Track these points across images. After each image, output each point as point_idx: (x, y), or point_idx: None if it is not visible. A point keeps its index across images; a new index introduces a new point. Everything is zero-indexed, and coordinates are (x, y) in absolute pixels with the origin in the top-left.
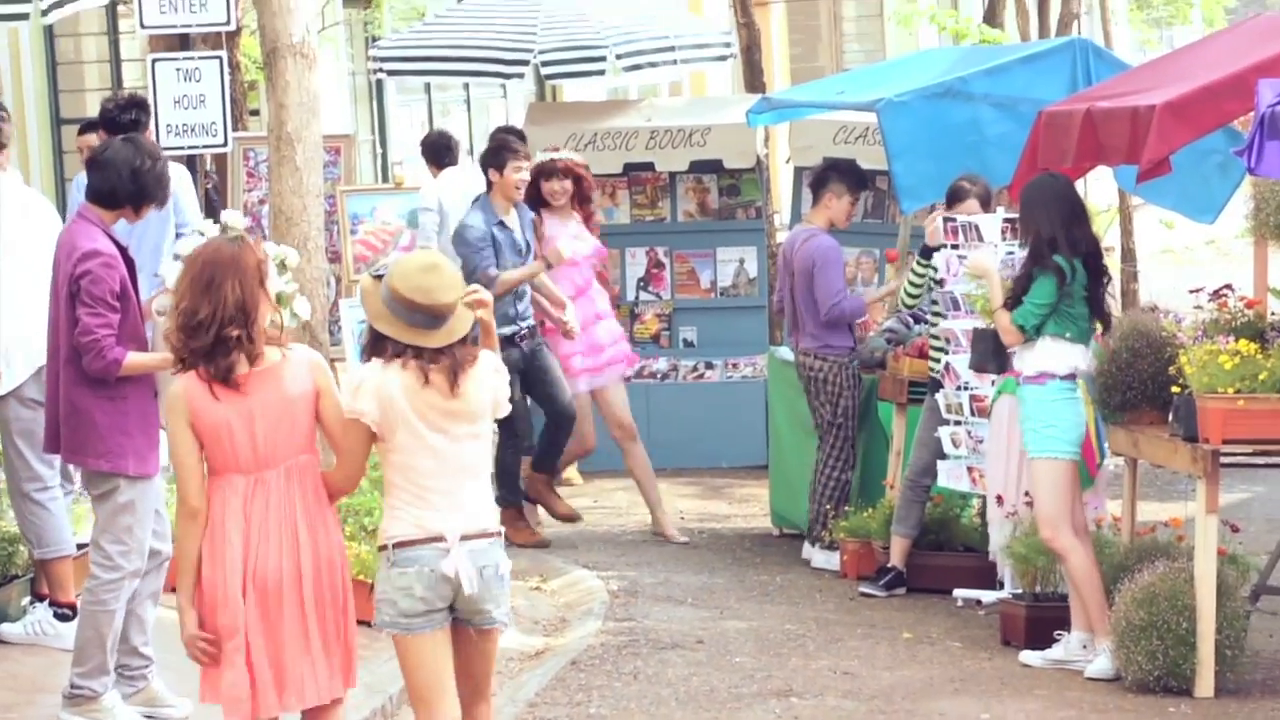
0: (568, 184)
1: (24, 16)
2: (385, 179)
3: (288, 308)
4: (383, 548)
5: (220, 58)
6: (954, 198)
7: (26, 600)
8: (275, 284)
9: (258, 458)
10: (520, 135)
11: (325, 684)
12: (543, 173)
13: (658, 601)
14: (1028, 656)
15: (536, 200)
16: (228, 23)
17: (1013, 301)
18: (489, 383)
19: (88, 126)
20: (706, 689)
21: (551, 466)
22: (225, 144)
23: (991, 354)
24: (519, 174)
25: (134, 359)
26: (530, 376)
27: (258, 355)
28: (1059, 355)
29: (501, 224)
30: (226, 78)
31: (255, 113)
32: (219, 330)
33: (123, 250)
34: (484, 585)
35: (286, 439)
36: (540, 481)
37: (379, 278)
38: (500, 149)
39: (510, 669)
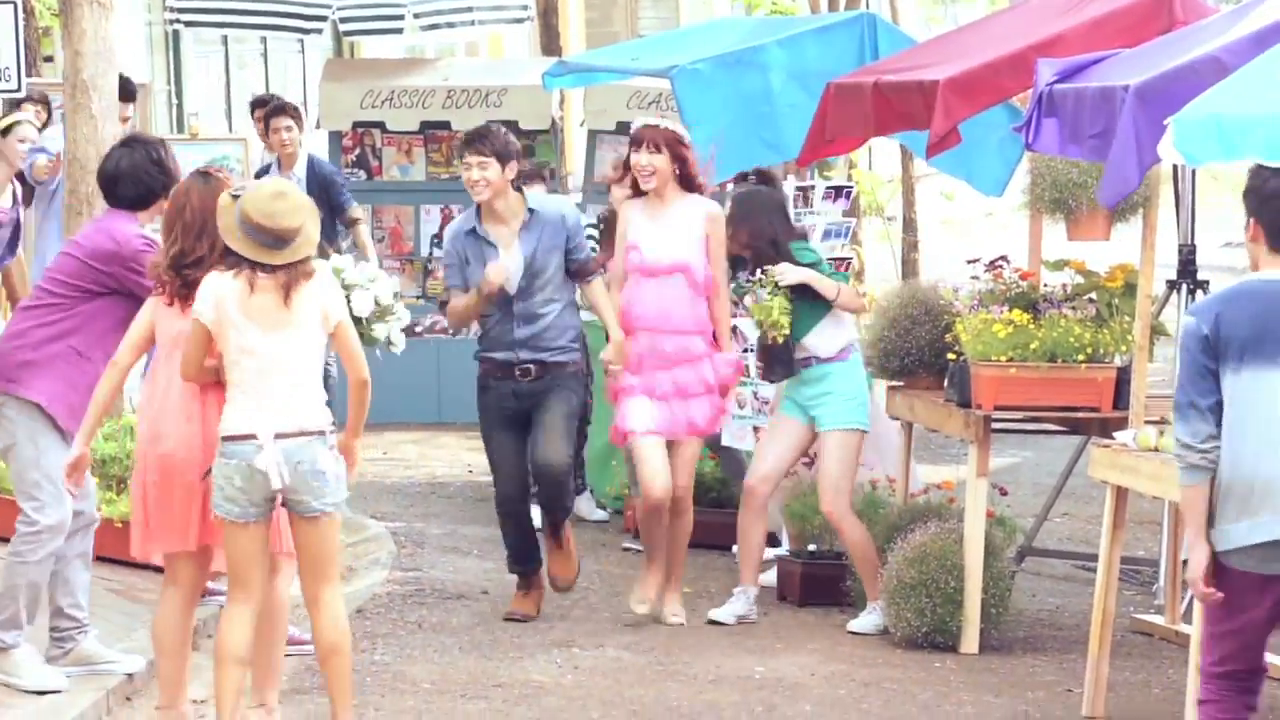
0: (659, 160)
1: None
2: (180, 129)
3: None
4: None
5: (15, 3)
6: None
7: None
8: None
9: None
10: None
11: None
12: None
13: (444, 552)
14: (716, 613)
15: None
16: None
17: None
18: (319, 297)
19: None
20: (490, 638)
21: (550, 532)
22: (19, 89)
23: (783, 361)
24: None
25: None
26: (529, 419)
27: None
28: (847, 327)
29: (472, 233)
30: (21, 23)
31: (50, 59)
32: (210, 266)
33: None
34: (299, 478)
35: None
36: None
37: (236, 198)
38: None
39: (295, 616)
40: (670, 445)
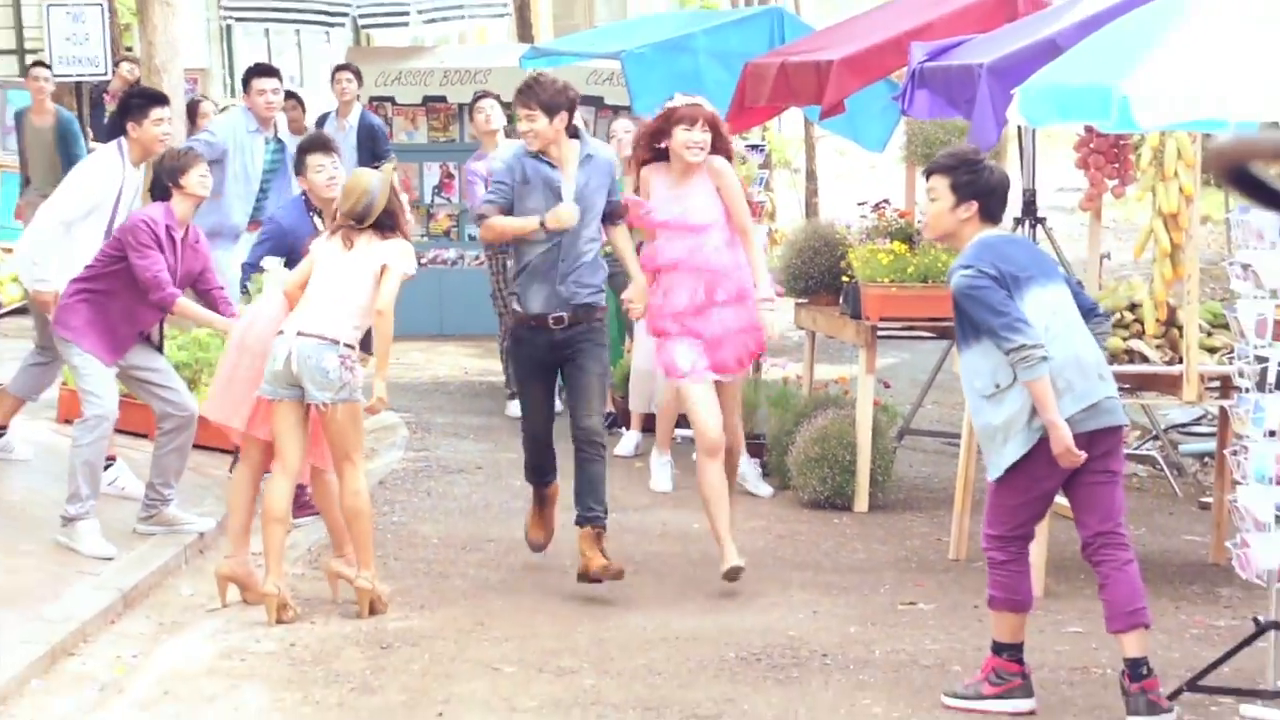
0: (700, 135)
1: None
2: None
3: None
4: None
5: (101, 4)
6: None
7: None
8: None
9: None
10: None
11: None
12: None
13: (447, 437)
14: (619, 449)
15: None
16: None
17: None
18: (380, 255)
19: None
20: (484, 503)
21: (590, 515)
22: (105, 73)
23: None
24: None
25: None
26: (563, 374)
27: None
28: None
29: (539, 155)
30: (106, 21)
31: (130, 48)
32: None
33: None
34: (304, 370)
35: None
36: (584, 537)
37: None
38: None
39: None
40: (716, 385)
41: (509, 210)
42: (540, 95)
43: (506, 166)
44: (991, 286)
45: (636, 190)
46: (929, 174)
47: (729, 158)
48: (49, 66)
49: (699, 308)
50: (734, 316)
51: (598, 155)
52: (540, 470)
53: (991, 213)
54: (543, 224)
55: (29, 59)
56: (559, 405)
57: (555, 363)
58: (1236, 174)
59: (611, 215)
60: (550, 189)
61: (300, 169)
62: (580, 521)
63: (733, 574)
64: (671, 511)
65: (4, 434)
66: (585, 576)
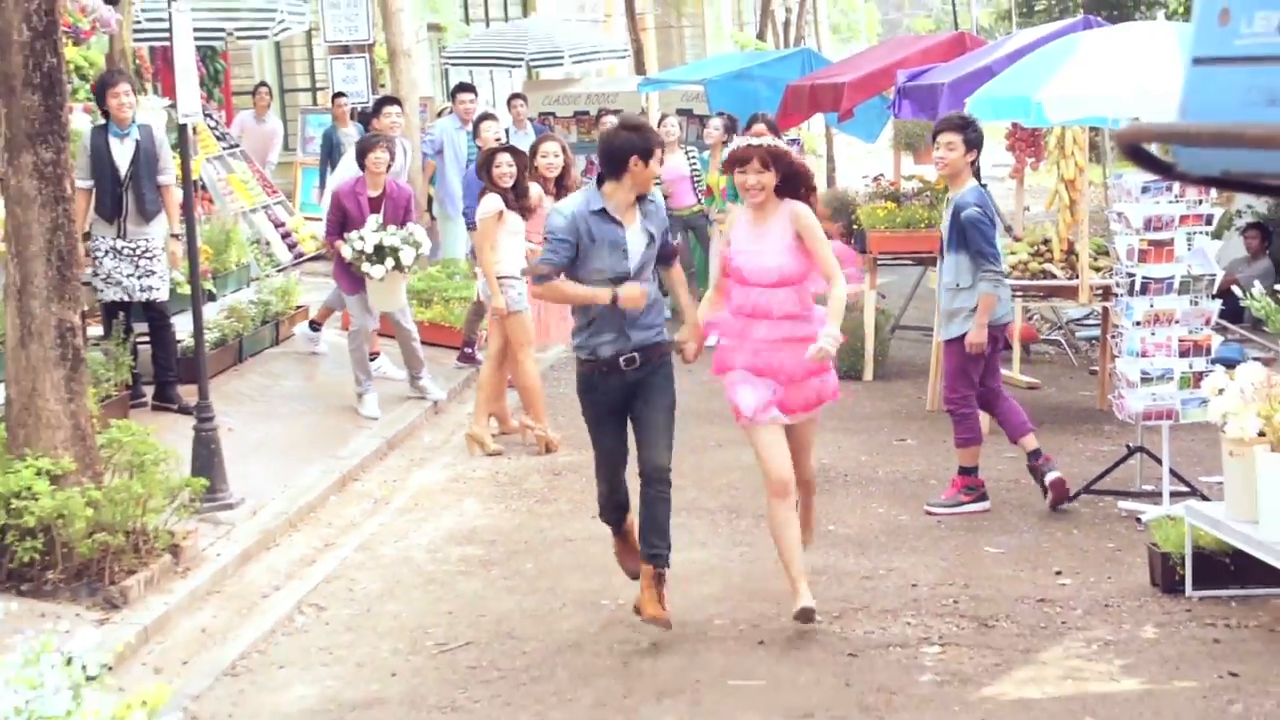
0: (765, 177)
1: (263, 36)
2: None
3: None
4: None
5: (365, 57)
6: (749, 125)
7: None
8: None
9: None
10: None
11: None
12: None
13: None
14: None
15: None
16: (368, 38)
17: None
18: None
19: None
20: None
21: (653, 554)
22: (368, 101)
23: None
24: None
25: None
26: (632, 412)
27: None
28: None
29: (603, 213)
30: (369, 67)
31: (383, 86)
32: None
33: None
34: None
35: None
36: (646, 574)
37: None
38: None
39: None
40: (788, 427)
41: (569, 268)
42: (656, 138)
43: (569, 224)
44: (989, 224)
45: (712, 193)
46: (946, 130)
47: (810, 191)
48: (344, 95)
49: (768, 348)
50: (802, 360)
51: (656, 201)
52: (617, 508)
53: (979, 162)
54: (614, 299)
55: (318, 94)
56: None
57: (626, 403)
58: (1133, 150)
59: (665, 258)
60: (617, 248)
61: (534, 154)
62: (644, 559)
63: (803, 616)
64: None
65: (318, 330)
66: (639, 612)
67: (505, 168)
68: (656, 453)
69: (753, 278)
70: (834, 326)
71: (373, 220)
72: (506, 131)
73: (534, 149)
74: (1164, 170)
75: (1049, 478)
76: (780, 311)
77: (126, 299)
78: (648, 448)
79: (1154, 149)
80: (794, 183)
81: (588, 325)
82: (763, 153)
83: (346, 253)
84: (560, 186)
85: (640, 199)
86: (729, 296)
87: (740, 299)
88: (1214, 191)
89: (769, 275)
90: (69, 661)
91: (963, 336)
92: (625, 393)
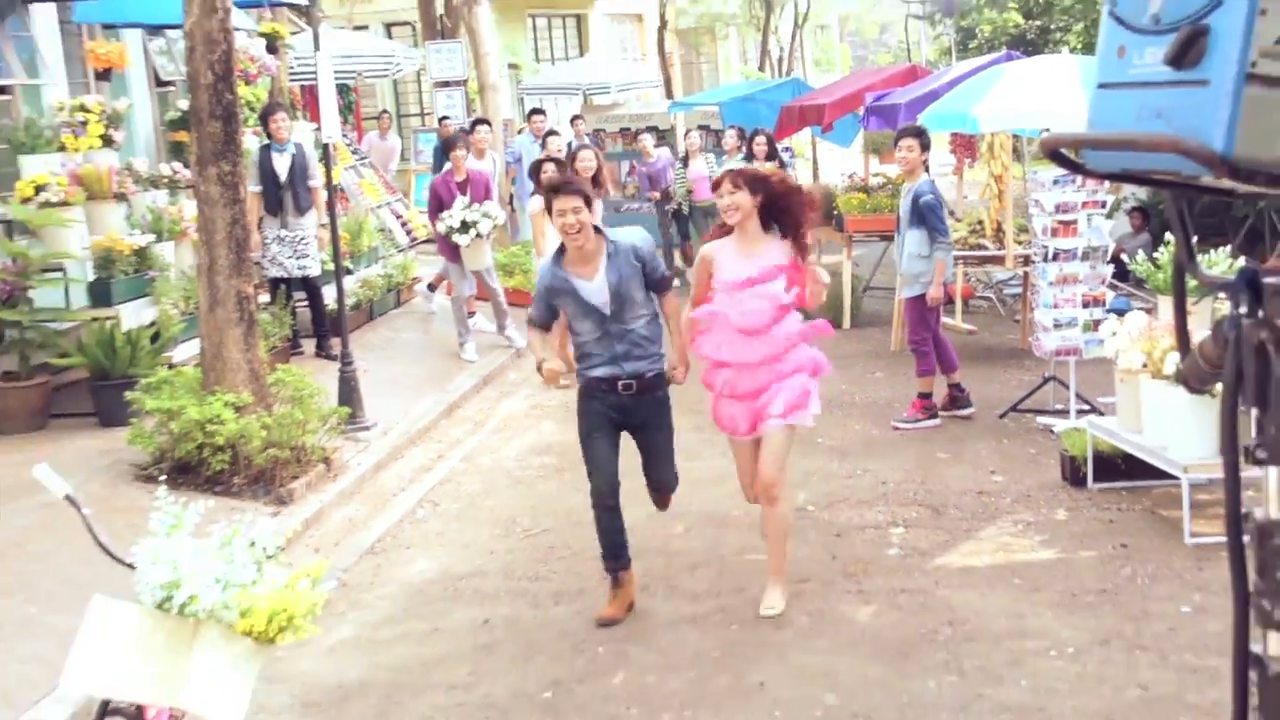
0: (738, 196)
1: (385, 75)
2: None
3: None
4: None
5: (461, 89)
6: (752, 137)
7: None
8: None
9: None
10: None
11: None
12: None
13: None
14: None
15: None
16: (464, 75)
17: None
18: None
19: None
20: None
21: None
22: (465, 122)
23: None
24: (561, 218)
25: None
26: (634, 438)
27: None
28: None
29: (562, 270)
30: (464, 98)
31: (475, 110)
32: None
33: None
34: None
35: None
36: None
37: None
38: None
39: None
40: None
41: (551, 322)
42: (579, 187)
43: (540, 284)
44: (940, 206)
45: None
46: (906, 136)
47: (808, 208)
48: (448, 118)
49: (741, 366)
50: (772, 373)
51: (620, 244)
52: (612, 548)
53: (929, 160)
54: (539, 367)
55: (426, 117)
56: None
57: (621, 424)
58: (1053, 153)
59: (657, 286)
60: (579, 299)
61: (573, 160)
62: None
63: (767, 613)
64: None
65: (434, 290)
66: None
67: (550, 173)
68: (662, 471)
69: (731, 281)
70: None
71: (460, 201)
72: (569, 144)
73: (572, 157)
74: (1076, 168)
75: (964, 410)
76: (756, 318)
77: (287, 275)
78: (654, 469)
79: (1068, 153)
80: (784, 207)
81: (581, 358)
82: (732, 175)
83: (441, 228)
84: (595, 183)
85: (610, 246)
86: (711, 310)
87: (717, 302)
88: (1107, 183)
89: (749, 276)
90: (252, 544)
91: (923, 295)
92: (622, 412)
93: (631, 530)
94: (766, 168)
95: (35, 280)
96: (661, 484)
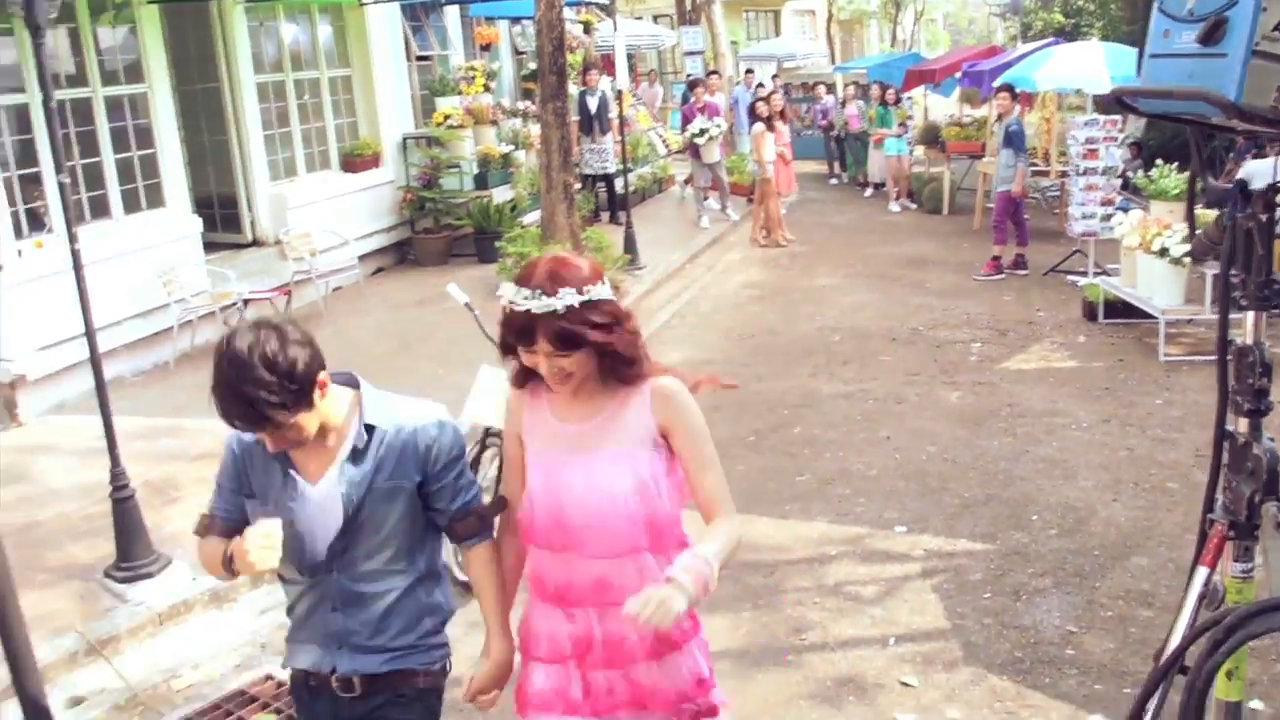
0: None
1: (654, 48)
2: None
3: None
4: None
5: (700, 55)
6: (884, 90)
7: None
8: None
9: None
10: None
11: None
12: None
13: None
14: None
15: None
16: (702, 47)
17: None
18: None
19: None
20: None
21: None
22: (705, 75)
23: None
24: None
25: None
26: None
27: None
28: None
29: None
30: (703, 62)
31: (713, 71)
32: None
33: None
34: None
35: None
36: None
37: None
38: None
39: None
40: None
41: (231, 527)
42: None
43: (225, 454)
44: (1022, 134)
45: (874, 119)
46: (1001, 90)
47: (631, 361)
48: (693, 74)
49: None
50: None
51: (390, 432)
52: None
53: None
54: (228, 560)
55: (677, 75)
56: None
57: None
58: (1118, 99)
59: (456, 531)
60: (279, 502)
61: (767, 100)
62: None
63: None
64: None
65: (688, 185)
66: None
67: (761, 107)
68: None
69: (569, 519)
70: (702, 561)
71: (700, 118)
72: (760, 84)
73: (765, 98)
74: (1133, 110)
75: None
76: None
77: (594, 173)
78: None
79: (1128, 100)
80: (618, 352)
81: (294, 621)
82: (546, 327)
83: (689, 133)
84: (782, 117)
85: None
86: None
87: (545, 568)
88: (1119, 123)
89: (600, 518)
90: None
91: (1008, 191)
92: None
93: (809, 336)
94: (898, 111)
95: (443, 173)
96: None
